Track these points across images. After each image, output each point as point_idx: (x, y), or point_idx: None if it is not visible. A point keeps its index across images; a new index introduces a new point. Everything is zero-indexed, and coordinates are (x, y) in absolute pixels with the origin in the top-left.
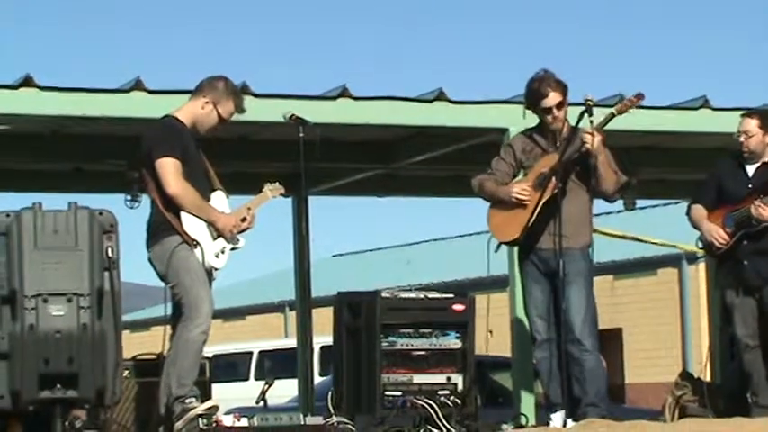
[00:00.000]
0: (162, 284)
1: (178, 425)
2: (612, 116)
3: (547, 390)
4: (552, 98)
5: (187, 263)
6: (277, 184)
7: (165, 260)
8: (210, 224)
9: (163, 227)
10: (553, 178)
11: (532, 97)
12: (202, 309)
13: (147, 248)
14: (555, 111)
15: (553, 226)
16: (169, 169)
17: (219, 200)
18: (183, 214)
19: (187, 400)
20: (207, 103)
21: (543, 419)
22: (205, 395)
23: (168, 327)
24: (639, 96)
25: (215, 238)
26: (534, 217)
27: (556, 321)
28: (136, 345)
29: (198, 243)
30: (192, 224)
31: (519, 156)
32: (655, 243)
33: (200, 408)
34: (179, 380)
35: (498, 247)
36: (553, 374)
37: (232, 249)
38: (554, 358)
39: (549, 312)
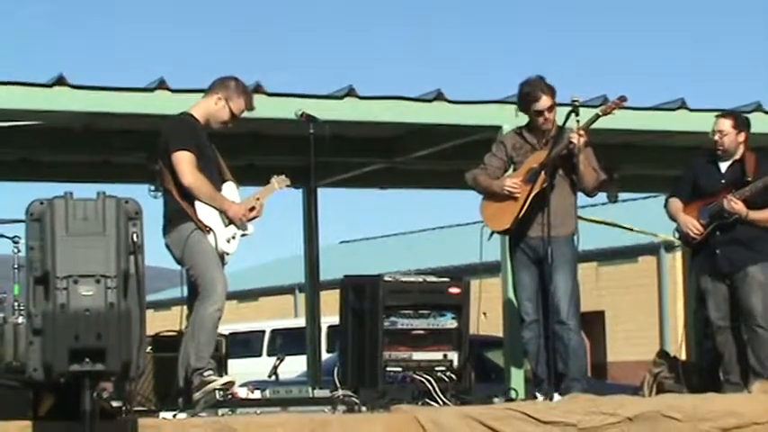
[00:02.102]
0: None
1: (197, 395)
2: (597, 117)
3: (534, 367)
4: (544, 101)
5: (201, 247)
6: (283, 176)
7: (181, 245)
8: (222, 212)
9: (178, 215)
10: (542, 173)
11: (525, 100)
12: (217, 288)
13: (164, 235)
14: (546, 113)
15: (541, 216)
16: (185, 161)
17: (230, 190)
18: (197, 203)
19: (205, 373)
20: (219, 99)
21: (531, 394)
22: (222, 370)
23: (185, 307)
24: (622, 99)
25: (226, 225)
26: (525, 208)
27: (543, 304)
28: (158, 323)
29: (211, 229)
30: (205, 212)
31: (510, 152)
32: (636, 231)
33: (218, 382)
34: (197, 353)
35: (491, 235)
36: (540, 353)
37: (242, 236)
38: (540, 338)
39: (536, 295)
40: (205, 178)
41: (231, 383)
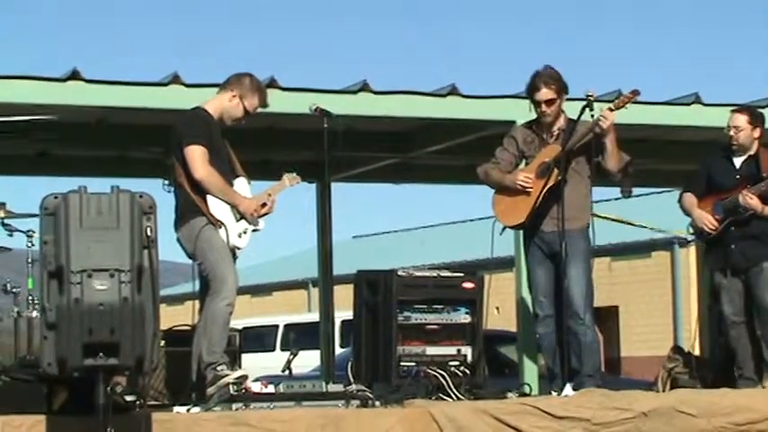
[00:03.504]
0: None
1: (210, 390)
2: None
3: (549, 363)
4: (543, 94)
5: (212, 242)
6: (294, 173)
7: (192, 240)
8: (234, 207)
9: (190, 209)
10: (555, 167)
11: (528, 88)
12: (228, 283)
13: (176, 230)
14: (543, 105)
15: (556, 210)
16: (197, 155)
17: (242, 186)
18: (209, 197)
19: (218, 368)
20: (234, 96)
21: (545, 389)
22: (235, 364)
23: (197, 301)
24: (635, 93)
25: (238, 220)
26: (539, 203)
27: (556, 299)
28: (171, 317)
29: (223, 224)
30: (217, 206)
31: (521, 146)
32: (648, 228)
33: (232, 376)
34: (209, 348)
35: (503, 230)
36: (554, 348)
37: (253, 231)
38: (554, 333)
39: (550, 290)
40: (217, 172)
41: (244, 377)
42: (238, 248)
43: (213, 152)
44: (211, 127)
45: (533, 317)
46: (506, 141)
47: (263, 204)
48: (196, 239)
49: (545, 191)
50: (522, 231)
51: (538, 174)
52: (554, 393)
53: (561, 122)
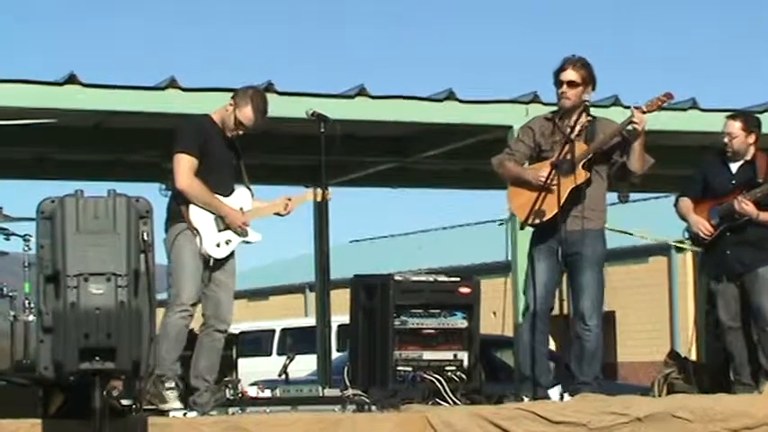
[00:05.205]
0: None
1: (153, 403)
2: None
3: (519, 362)
4: (567, 74)
5: (181, 254)
6: (320, 190)
7: (169, 246)
8: (220, 217)
9: (173, 215)
10: (580, 165)
11: (556, 70)
12: (181, 296)
13: (165, 232)
14: (565, 86)
15: (577, 210)
16: (182, 164)
17: (243, 197)
18: (191, 205)
19: (166, 384)
20: (231, 105)
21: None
22: (232, 369)
23: None
24: (668, 96)
25: (220, 230)
26: (564, 202)
27: (570, 298)
28: None
29: (198, 231)
30: (197, 214)
31: (538, 138)
32: (648, 238)
33: (168, 405)
34: (159, 360)
35: (522, 226)
36: (528, 348)
37: (245, 243)
38: (529, 332)
39: (546, 287)
40: (200, 183)
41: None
42: (212, 257)
43: (207, 160)
44: (211, 134)
45: (524, 311)
46: (522, 133)
47: (279, 212)
48: (171, 247)
49: (571, 189)
50: (535, 229)
51: (561, 171)
52: (525, 399)
53: (583, 119)
